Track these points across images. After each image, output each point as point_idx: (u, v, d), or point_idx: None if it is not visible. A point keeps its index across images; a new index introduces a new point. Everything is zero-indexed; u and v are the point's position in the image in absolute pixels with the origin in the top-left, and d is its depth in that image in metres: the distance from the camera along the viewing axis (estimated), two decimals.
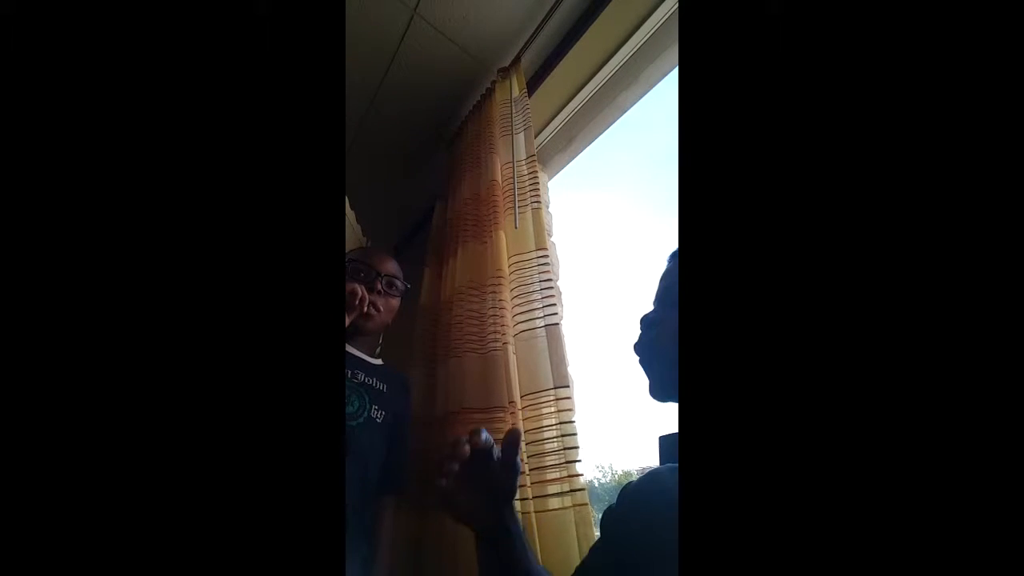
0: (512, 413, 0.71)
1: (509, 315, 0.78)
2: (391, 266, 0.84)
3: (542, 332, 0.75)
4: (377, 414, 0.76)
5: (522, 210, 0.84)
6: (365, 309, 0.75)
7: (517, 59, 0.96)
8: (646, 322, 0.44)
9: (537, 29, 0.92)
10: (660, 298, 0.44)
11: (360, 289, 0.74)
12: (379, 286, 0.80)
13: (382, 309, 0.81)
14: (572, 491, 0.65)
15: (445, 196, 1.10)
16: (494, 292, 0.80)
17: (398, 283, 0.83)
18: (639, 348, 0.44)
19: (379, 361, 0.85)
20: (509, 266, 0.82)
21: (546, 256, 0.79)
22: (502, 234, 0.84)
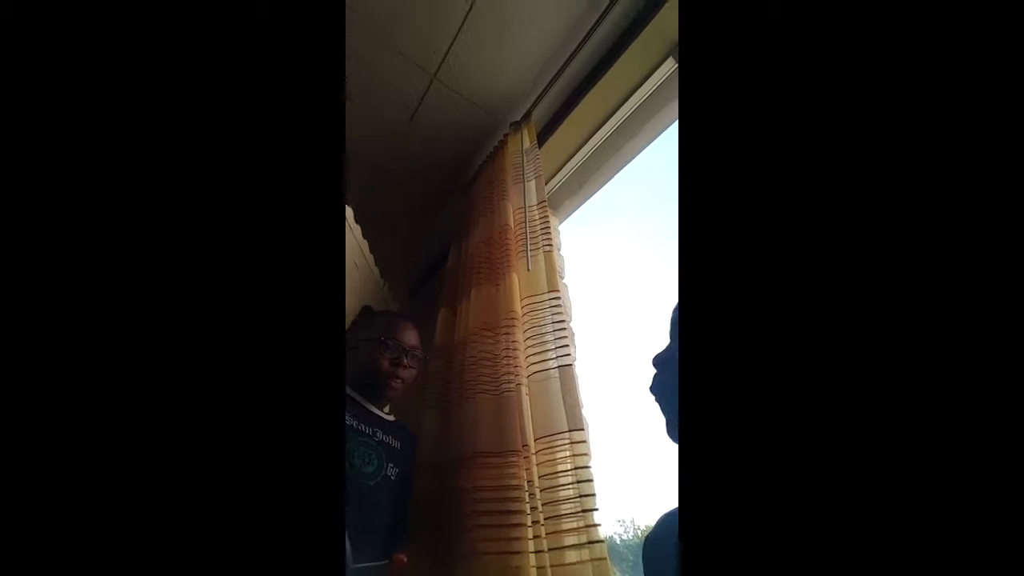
0: (526, 457, 0.69)
1: (522, 356, 0.78)
2: (413, 337, 0.90)
3: (555, 373, 0.74)
4: (392, 472, 0.79)
5: (534, 253, 0.87)
6: (393, 384, 0.84)
7: (528, 113, 1.03)
8: (658, 361, 0.44)
9: (548, 86, 0.99)
10: (672, 334, 0.44)
11: (389, 365, 0.84)
12: (405, 361, 0.86)
13: (406, 380, 0.88)
14: (590, 543, 0.61)
15: (459, 240, 1.14)
16: (507, 334, 0.80)
17: (419, 355, 0.90)
18: (654, 388, 0.43)
19: (392, 417, 0.89)
20: (522, 308, 0.83)
21: (558, 298, 0.80)
22: (515, 276, 0.86)
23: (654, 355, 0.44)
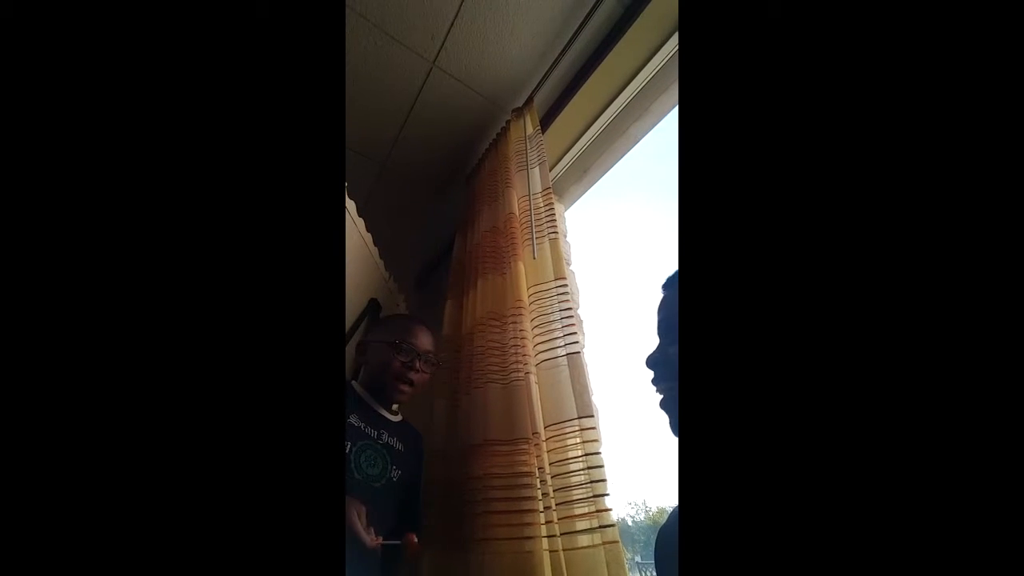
0: (536, 445, 0.70)
1: (530, 345, 0.78)
2: (428, 341, 0.89)
3: (564, 361, 0.74)
4: (395, 474, 0.79)
5: (539, 241, 0.86)
6: (403, 388, 0.83)
7: (530, 99, 1.01)
8: (651, 362, 0.43)
9: (549, 70, 0.97)
10: (660, 332, 0.44)
11: (400, 368, 0.83)
12: (418, 365, 0.85)
13: (417, 384, 0.86)
14: (602, 527, 0.62)
15: (464, 229, 1.14)
16: (515, 322, 0.80)
17: (432, 359, 0.89)
18: (656, 387, 0.43)
19: (398, 417, 0.88)
20: (529, 296, 0.82)
21: (565, 285, 0.80)
22: (521, 265, 0.85)
23: (646, 356, 0.44)
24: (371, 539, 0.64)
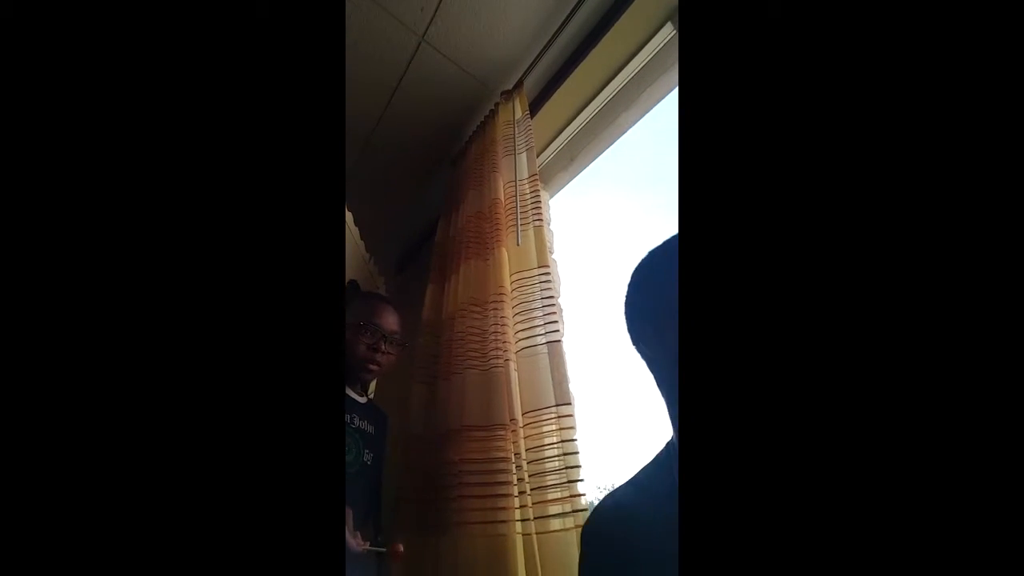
0: (513, 431, 0.70)
1: (511, 332, 0.78)
2: (394, 321, 0.87)
3: (544, 349, 0.75)
4: (368, 457, 0.79)
5: (524, 228, 0.85)
6: (369, 369, 0.82)
7: (520, 82, 0.99)
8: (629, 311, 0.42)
9: (539, 54, 0.95)
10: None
11: (366, 350, 0.81)
12: (382, 346, 0.83)
13: (383, 365, 0.84)
14: (574, 512, 0.64)
15: (448, 213, 1.12)
16: (496, 309, 0.80)
17: (398, 339, 0.87)
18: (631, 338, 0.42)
19: (365, 399, 0.88)
20: (511, 283, 0.82)
21: (548, 273, 0.80)
22: (504, 251, 0.84)
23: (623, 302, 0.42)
24: (358, 543, 0.63)
